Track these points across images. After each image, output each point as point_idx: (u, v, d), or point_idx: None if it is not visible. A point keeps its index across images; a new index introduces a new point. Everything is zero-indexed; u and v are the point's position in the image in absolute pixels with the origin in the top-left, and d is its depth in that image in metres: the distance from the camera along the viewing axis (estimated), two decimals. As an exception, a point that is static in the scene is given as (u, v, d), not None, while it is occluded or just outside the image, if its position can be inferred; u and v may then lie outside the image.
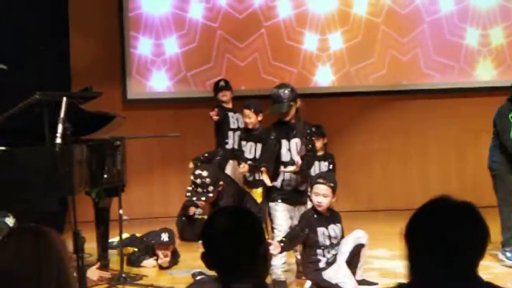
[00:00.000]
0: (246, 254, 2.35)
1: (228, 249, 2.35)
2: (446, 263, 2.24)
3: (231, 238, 2.36)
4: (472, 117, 9.44)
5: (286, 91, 6.13)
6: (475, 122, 9.21)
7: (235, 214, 2.45)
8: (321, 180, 6.11)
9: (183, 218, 8.28)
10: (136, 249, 7.25)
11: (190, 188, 7.15)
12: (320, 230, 6.05)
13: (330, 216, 6.15)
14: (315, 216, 6.07)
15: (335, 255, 6.07)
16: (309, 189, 6.29)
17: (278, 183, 6.16)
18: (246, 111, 7.53)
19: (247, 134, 7.56)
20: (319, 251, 6.06)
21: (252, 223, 2.43)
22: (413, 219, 2.31)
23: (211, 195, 7.05)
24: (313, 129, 7.53)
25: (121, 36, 9.65)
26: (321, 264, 6.05)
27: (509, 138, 6.75)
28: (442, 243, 2.24)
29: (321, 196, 6.05)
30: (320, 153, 7.55)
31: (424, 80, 9.78)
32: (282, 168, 6.13)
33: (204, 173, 7.10)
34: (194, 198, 7.22)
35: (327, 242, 6.07)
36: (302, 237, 6.02)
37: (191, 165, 8.10)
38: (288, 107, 6.12)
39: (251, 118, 7.46)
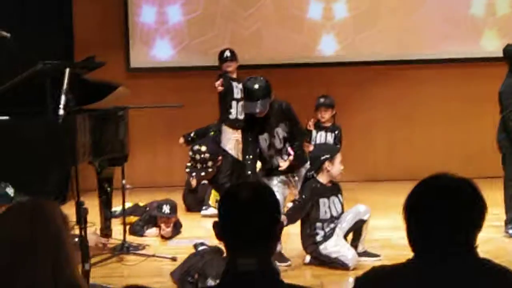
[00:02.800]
0: (263, 230, 2.32)
1: (246, 222, 2.31)
2: (443, 237, 2.27)
3: (253, 212, 2.32)
4: (477, 87, 9.39)
5: (261, 88, 5.89)
6: (480, 92, 9.16)
7: (260, 189, 2.42)
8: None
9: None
10: (138, 219, 7.28)
11: (189, 164, 7.13)
12: (322, 201, 6.03)
13: (332, 187, 6.13)
14: (319, 186, 6.05)
15: (333, 229, 6.04)
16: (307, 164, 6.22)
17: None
18: None
19: None
20: (318, 224, 6.02)
21: (275, 201, 2.40)
22: (412, 194, 2.35)
23: (210, 170, 7.02)
24: (321, 100, 7.48)
25: (124, 4, 9.60)
26: (318, 238, 6.02)
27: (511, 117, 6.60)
28: (438, 217, 2.27)
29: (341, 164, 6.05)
30: (327, 124, 7.52)
31: (430, 50, 9.70)
32: (275, 161, 6.07)
33: (203, 148, 7.08)
34: (194, 174, 7.21)
35: (328, 215, 6.04)
36: (306, 209, 6.00)
37: (181, 140, 8.06)
38: (262, 107, 5.92)
39: None
